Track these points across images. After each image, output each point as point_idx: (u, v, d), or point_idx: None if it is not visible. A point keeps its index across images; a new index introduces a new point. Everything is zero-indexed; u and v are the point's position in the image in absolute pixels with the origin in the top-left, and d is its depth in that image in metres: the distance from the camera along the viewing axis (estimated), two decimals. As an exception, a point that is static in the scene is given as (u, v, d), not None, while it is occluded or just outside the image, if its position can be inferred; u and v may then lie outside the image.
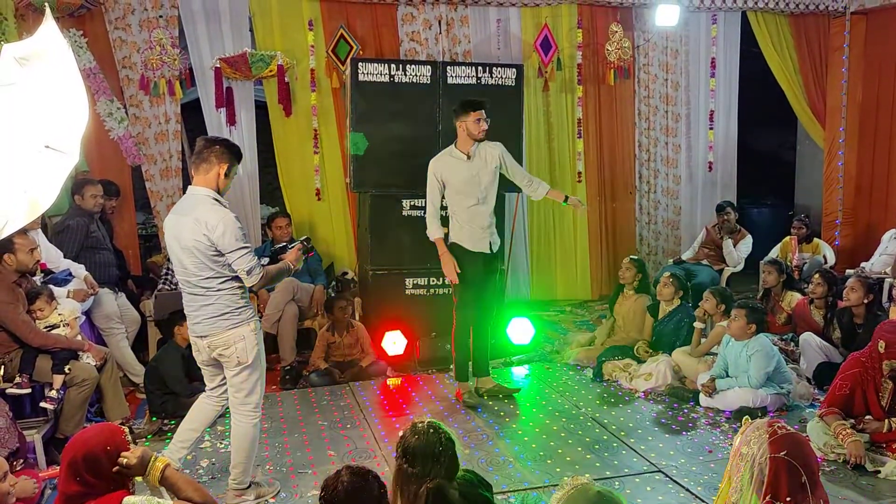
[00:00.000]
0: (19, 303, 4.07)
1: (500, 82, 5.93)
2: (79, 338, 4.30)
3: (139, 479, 2.40)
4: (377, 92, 5.73)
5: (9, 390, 3.94)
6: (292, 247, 3.64)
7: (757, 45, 7.70)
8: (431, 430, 2.44)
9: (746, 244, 6.92)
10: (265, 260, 3.61)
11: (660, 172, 7.80)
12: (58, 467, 2.74)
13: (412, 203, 5.77)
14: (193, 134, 6.79)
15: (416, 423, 2.49)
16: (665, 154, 7.78)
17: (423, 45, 6.78)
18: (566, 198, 4.88)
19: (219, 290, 3.30)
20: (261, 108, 6.66)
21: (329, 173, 6.72)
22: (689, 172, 7.87)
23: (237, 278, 3.33)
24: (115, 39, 6.06)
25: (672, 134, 7.74)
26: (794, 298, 5.58)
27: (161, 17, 6.12)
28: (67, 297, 4.57)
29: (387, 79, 5.73)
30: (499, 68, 5.97)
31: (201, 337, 3.39)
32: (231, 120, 6.36)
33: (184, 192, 5.99)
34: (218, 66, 6.24)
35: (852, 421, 3.85)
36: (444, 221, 4.71)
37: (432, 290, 5.82)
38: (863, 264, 6.56)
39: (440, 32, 6.82)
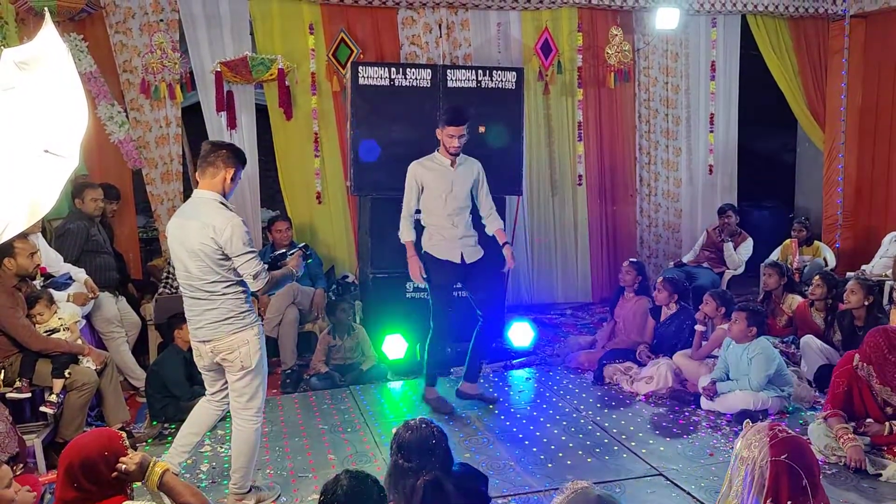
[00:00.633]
0: (19, 307, 4.07)
1: (500, 85, 5.93)
2: (79, 342, 4.29)
3: (137, 484, 2.39)
4: (377, 95, 5.73)
5: (8, 395, 3.93)
6: (292, 253, 3.64)
7: (757, 49, 7.71)
8: (424, 425, 2.51)
9: (747, 247, 6.93)
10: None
11: (660, 175, 7.80)
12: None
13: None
14: (194, 138, 6.82)
15: (408, 420, 2.56)
16: (665, 157, 7.78)
17: (424, 48, 6.79)
18: (504, 244, 4.68)
19: (223, 295, 3.29)
20: (261, 112, 6.67)
21: (329, 177, 6.73)
22: (689, 175, 7.87)
23: (242, 283, 3.32)
24: (115, 43, 6.07)
25: (672, 137, 7.74)
26: (794, 301, 5.57)
27: (162, 20, 6.13)
28: (67, 300, 4.57)
29: (387, 82, 5.73)
30: (499, 72, 5.97)
31: (204, 342, 3.36)
32: (232, 123, 6.37)
33: (185, 196, 6.07)
34: (218, 69, 6.24)
35: (854, 424, 3.84)
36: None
37: (433, 294, 5.81)
38: (863, 267, 6.56)
39: (440, 36, 6.83)
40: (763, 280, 5.87)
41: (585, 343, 5.88)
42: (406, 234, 4.61)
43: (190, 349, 3.65)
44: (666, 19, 7.05)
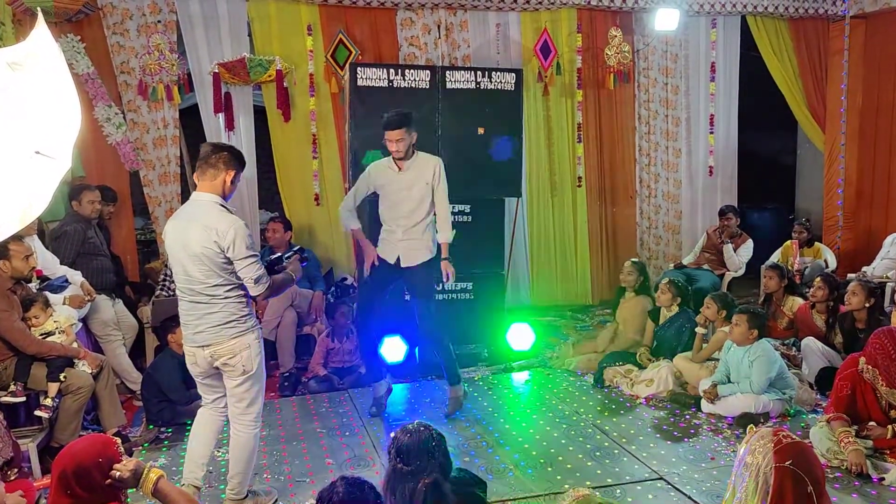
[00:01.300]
0: (14, 310, 4.03)
1: (499, 87, 5.90)
2: (74, 345, 4.26)
3: (132, 490, 2.36)
4: (376, 97, 5.70)
5: (3, 399, 3.91)
6: (289, 256, 3.59)
7: (757, 49, 7.69)
8: (423, 428, 2.49)
9: (747, 248, 6.90)
10: None
11: (660, 177, 7.77)
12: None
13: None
14: (192, 139, 6.79)
15: (406, 424, 2.53)
16: (665, 158, 7.75)
17: (423, 49, 6.76)
18: (446, 258, 4.55)
19: (225, 298, 3.24)
20: (259, 113, 6.64)
21: (328, 178, 6.70)
22: (689, 177, 7.85)
23: (243, 286, 3.26)
24: (113, 45, 6.04)
25: (672, 138, 7.72)
26: (795, 303, 5.55)
27: (159, 22, 6.11)
28: (63, 303, 4.54)
29: (385, 83, 5.71)
30: (498, 73, 5.94)
31: (203, 346, 3.28)
32: (230, 125, 6.34)
33: (182, 198, 6.04)
34: (216, 71, 6.22)
35: (856, 427, 3.81)
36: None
37: (432, 296, 5.78)
38: (864, 268, 6.53)
39: (439, 37, 6.80)
40: (763, 282, 5.84)
41: (587, 346, 5.83)
42: (347, 222, 4.58)
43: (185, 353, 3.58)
44: (665, 20, 7.02)
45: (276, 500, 3.61)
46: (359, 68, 5.72)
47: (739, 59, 7.77)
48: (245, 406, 3.38)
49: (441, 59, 6.78)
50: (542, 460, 4.03)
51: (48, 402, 3.97)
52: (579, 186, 7.39)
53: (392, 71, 5.75)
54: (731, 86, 7.81)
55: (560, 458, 4.04)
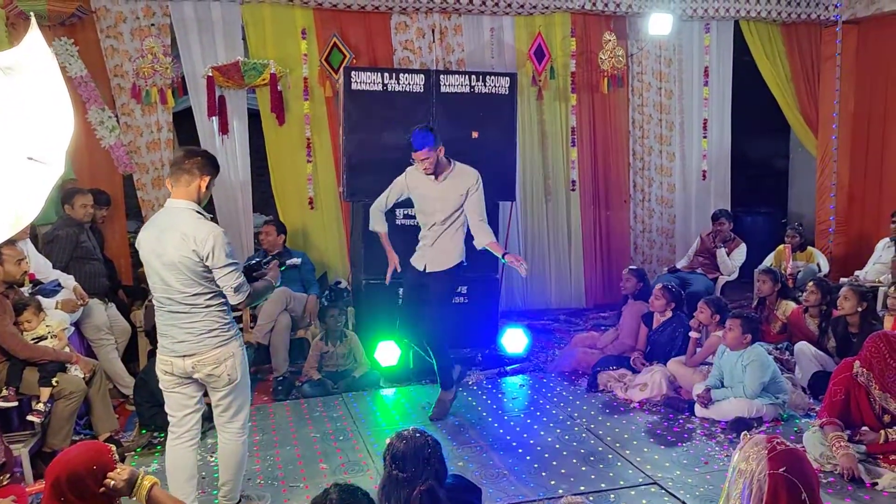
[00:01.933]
0: (6, 314, 4.01)
1: (493, 91, 5.91)
2: (67, 349, 4.24)
3: (126, 498, 2.35)
4: (370, 100, 5.70)
5: (-5, 403, 3.88)
6: (267, 262, 3.50)
7: (750, 54, 7.72)
8: (418, 434, 2.49)
9: (740, 253, 6.93)
10: None
11: (654, 181, 7.79)
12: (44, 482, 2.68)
13: (405, 212, 5.72)
14: (186, 143, 6.77)
15: (401, 430, 2.53)
16: (659, 162, 7.78)
17: (417, 53, 6.77)
18: (504, 254, 4.58)
19: (207, 307, 3.15)
20: (254, 117, 6.63)
21: (322, 182, 6.69)
22: (683, 181, 7.88)
23: (223, 294, 3.18)
24: (106, 48, 6.03)
25: (666, 142, 7.75)
26: (788, 307, 5.56)
27: (153, 25, 6.10)
28: (56, 308, 4.51)
29: (380, 87, 5.71)
30: (492, 77, 5.95)
31: (184, 357, 3.17)
32: (223, 129, 6.33)
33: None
34: (210, 74, 6.21)
35: (850, 432, 3.82)
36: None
37: (426, 300, 5.78)
38: (856, 273, 6.55)
39: (434, 41, 6.81)
40: (757, 286, 5.86)
41: (588, 339, 5.83)
42: (375, 225, 4.78)
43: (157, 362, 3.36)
44: (659, 25, 7.05)
45: (270, 505, 3.59)
46: (353, 72, 5.73)
47: (732, 63, 7.80)
48: (231, 415, 3.32)
49: (435, 62, 6.78)
50: (536, 465, 4.03)
51: (40, 406, 3.94)
52: (573, 190, 7.40)
53: (386, 75, 5.75)
54: (725, 90, 7.84)
55: (554, 463, 4.04)
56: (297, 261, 5.84)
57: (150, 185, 6.29)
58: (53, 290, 4.64)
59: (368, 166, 5.72)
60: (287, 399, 5.18)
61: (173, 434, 3.32)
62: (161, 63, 6.09)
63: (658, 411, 4.81)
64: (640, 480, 3.82)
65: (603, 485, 3.77)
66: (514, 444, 4.34)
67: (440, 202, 4.53)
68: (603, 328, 6.38)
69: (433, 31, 6.80)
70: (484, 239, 4.58)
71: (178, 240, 3.06)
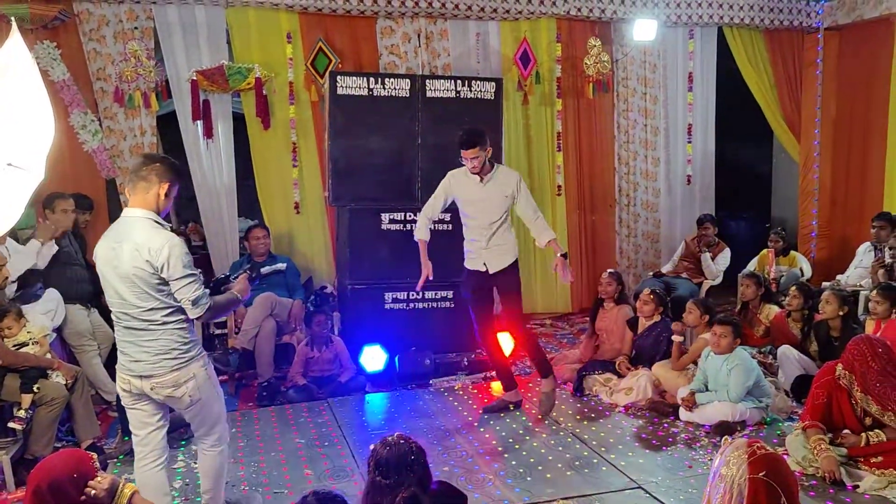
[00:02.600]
0: (-13, 321, 3.98)
1: (479, 96, 5.93)
2: (48, 356, 4.20)
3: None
4: (356, 105, 5.70)
5: (-25, 411, 3.84)
6: (237, 276, 3.35)
7: (733, 60, 7.79)
8: (402, 441, 2.48)
9: (724, 257, 6.99)
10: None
11: (639, 185, 7.84)
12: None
13: (391, 217, 5.74)
14: (170, 147, 6.73)
15: (385, 436, 2.52)
16: (644, 167, 7.82)
17: (403, 58, 6.77)
18: (565, 254, 4.64)
19: (164, 324, 2.95)
20: (239, 120, 6.60)
21: (308, 187, 6.68)
22: (668, 185, 7.93)
23: (183, 309, 2.98)
24: (89, 51, 5.98)
25: (651, 147, 7.80)
26: (771, 311, 5.60)
27: (136, 28, 6.06)
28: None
29: (365, 92, 5.71)
30: (478, 82, 5.97)
31: (141, 377, 2.97)
32: (208, 133, 6.30)
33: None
34: (194, 78, 6.18)
35: (831, 435, 3.85)
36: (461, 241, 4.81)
37: (412, 305, 5.78)
38: (838, 277, 6.62)
39: (419, 46, 6.82)
40: (741, 290, 5.91)
41: (574, 358, 5.83)
42: (420, 232, 4.79)
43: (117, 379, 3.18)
44: (644, 31, 7.10)
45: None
46: (339, 77, 5.73)
47: (716, 69, 7.87)
48: (204, 432, 3.21)
49: (421, 67, 6.79)
50: (520, 470, 4.03)
51: (22, 413, 3.91)
52: (559, 195, 7.43)
53: (372, 80, 5.76)
54: (709, 96, 7.92)
55: (540, 468, 4.05)
56: (281, 266, 5.85)
57: (134, 190, 6.24)
58: (35, 295, 4.60)
59: (354, 171, 5.72)
60: (272, 404, 5.15)
61: (139, 454, 3.17)
62: (144, 67, 6.05)
63: (643, 415, 4.83)
64: (625, 485, 3.82)
65: (588, 490, 3.77)
66: (500, 448, 4.34)
67: (485, 203, 4.59)
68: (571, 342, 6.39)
69: (419, 36, 6.81)
70: (545, 237, 4.67)
71: (131, 251, 2.88)
